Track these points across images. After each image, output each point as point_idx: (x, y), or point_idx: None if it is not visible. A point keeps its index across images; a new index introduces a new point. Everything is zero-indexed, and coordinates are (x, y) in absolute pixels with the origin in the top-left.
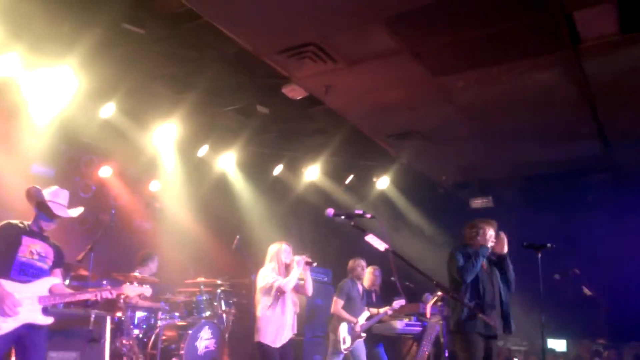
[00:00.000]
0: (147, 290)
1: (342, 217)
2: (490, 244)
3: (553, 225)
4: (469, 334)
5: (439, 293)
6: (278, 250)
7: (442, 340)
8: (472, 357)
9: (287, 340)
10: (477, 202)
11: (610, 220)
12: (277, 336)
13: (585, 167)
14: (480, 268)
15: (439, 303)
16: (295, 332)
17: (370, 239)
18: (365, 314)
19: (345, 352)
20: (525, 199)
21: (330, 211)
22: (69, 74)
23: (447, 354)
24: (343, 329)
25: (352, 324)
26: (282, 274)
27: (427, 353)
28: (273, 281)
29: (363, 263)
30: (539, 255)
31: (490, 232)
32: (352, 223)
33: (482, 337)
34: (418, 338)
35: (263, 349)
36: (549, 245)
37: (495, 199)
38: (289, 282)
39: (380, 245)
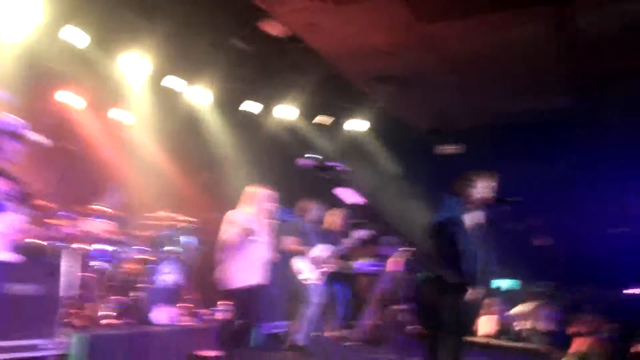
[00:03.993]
0: (107, 227)
1: (315, 168)
2: (486, 195)
3: (521, 175)
4: (442, 284)
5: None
6: (263, 196)
7: (400, 293)
8: (445, 306)
9: (260, 281)
10: (449, 149)
11: (581, 173)
12: (251, 277)
13: (560, 119)
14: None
15: (410, 258)
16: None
17: (341, 192)
18: (320, 246)
19: (307, 282)
20: (497, 148)
21: (302, 162)
22: None
23: (403, 306)
24: (297, 261)
25: (303, 255)
26: (260, 220)
27: (382, 291)
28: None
29: (315, 205)
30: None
31: (485, 184)
32: (324, 175)
33: (455, 288)
34: (375, 277)
35: (236, 293)
36: (509, 199)
37: (468, 147)
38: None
39: (350, 198)
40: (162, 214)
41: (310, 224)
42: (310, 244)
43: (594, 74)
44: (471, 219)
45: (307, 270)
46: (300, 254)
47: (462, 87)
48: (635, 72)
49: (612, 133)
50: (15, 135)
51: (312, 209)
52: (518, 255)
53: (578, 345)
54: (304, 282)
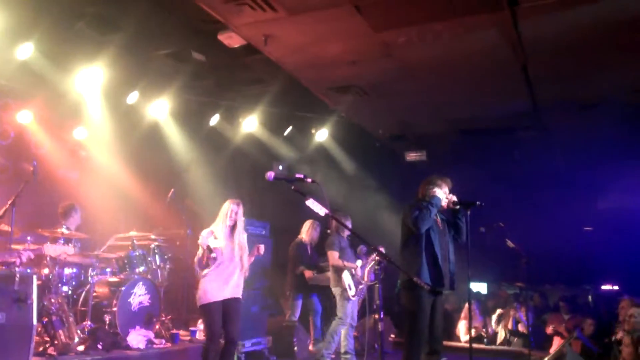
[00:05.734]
0: (69, 250)
1: (283, 180)
2: (444, 202)
3: (483, 179)
4: (418, 290)
5: (376, 257)
6: (230, 210)
7: (377, 302)
8: (421, 312)
9: (231, 296)
10: (412, 156)
11: (535, 176)
12: (217, 292)
13: (514, 124)
14: (434, 223)
15: (376, 267)
16: (240, 294)
17: (311, 203)
18: (359, 261)
19: (353, 298)
20: (457, 154)
21: (270, 174)
22: None
23: (382, 315)
24: (346, 277)
25: (353, 271)
26: (226, 235)
27: (359, 301)
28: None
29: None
30: (468, 212)
31: (445, 189)
32: (293, 187)
33: (429, 293)
34: None
35: (205, 308)
36: (477, 203)
37: (429, 153)
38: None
39: (321, 210)
40: (132, 233)
41: (345, 238)
42: (350, 257)
43: (544, 79)
44: (438, 222)
45: (354, 286)
46: (350, 269)
47: (422, 94)
48: (582, 75)
49: (570, 135)
50: None
51: (349, 222)
52: (486, 258)
53: (558, 344)
54: (350, 298)
